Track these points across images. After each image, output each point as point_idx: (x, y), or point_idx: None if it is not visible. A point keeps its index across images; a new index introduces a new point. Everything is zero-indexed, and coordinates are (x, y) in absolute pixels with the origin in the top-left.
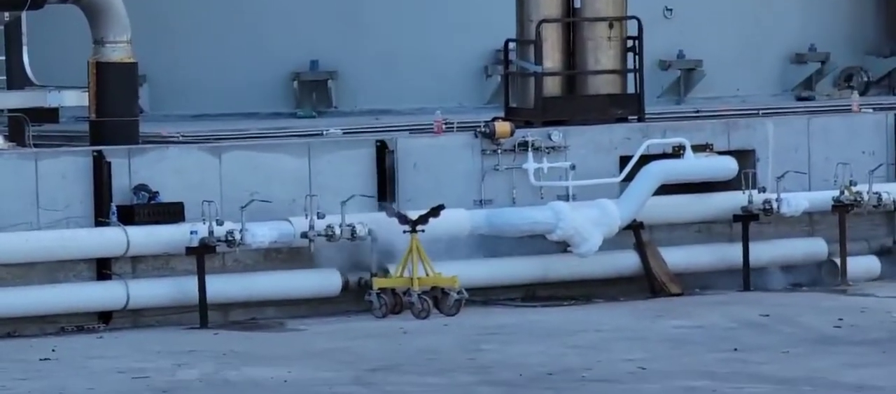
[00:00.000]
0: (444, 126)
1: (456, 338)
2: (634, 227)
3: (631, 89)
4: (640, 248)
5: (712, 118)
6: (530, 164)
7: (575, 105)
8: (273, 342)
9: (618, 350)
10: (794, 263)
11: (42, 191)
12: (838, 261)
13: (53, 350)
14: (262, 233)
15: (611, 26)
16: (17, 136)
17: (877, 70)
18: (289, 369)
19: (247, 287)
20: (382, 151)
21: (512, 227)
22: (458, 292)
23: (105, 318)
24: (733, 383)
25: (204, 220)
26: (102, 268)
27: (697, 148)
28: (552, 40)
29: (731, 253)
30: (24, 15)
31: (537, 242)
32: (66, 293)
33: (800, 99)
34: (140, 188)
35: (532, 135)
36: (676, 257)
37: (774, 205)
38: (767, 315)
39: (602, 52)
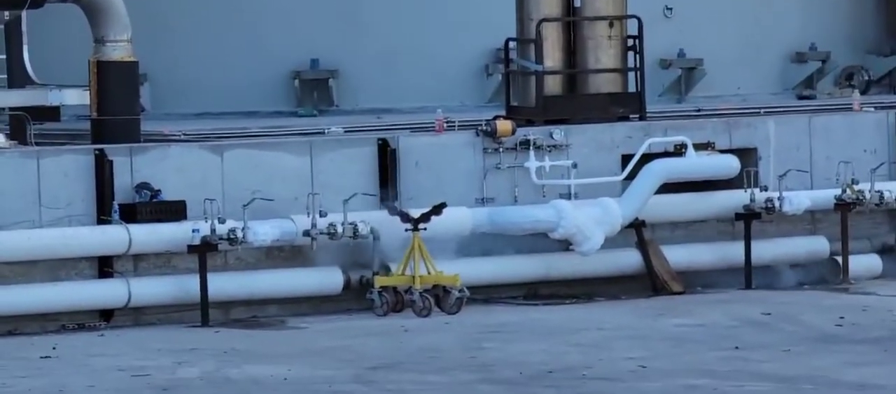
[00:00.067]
0: (445, 125)
1: (457, 336)
2: (636, 225)
3: (632, 88)
4: (641, 246)
5: (714, 117)
6: (532, 162)
7: (576, 104)
8: (274, 340)
9: (619, 348)
10: (795, 261)
11: (44, 189)
12: (840, 259)
13: (54, 348)
14: (263, 231)
15: (611, 25)
16: (18, 134)
17: (878, 69)
18: (289, 367)
19: (248, 285)
20: (384, 149)
21: (514, 225)
22: (460, 291)
23: (106, 316)
24: (734, 382)
25: (206, 218)
26: (104, 266)
27: (699, 146)
28: (552, 39)
29: (732, 252)
30: (24, 14)
31: (539, 241)
32: (67, 291)
33: (801, 98)
34: (142, 186)
35: (533, 133)
36: (678, 256)
37: (776, 203)
38: (769, 314)
39: (602, 51)
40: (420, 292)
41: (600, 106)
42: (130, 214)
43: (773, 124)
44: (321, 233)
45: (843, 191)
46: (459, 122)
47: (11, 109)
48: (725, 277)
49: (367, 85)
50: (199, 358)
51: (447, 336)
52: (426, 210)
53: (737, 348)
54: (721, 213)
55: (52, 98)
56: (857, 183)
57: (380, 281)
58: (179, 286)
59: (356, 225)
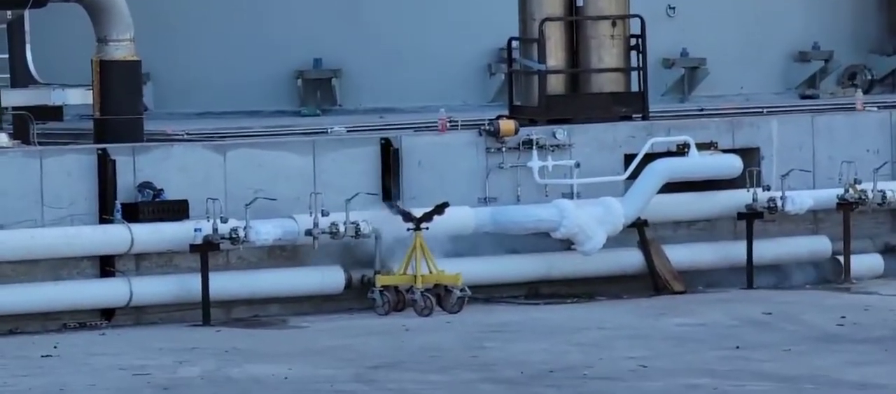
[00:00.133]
0: (448, 124)
1: (458, 335)
2: (638, 225)
3: (634, 88)
4: (643, 246)
5: (716, 116)
6: (535, 162)
7: (579, 103)
8: (275, 340)
9: (620, 348)
10: (798, 261)
11: (46, 188)
12: (842, 259)
13: (55, 347)
14: (265, 230)
15: (614, 24)
16: (21, 134)
17: (881, 68)
18: (290, 367)
19: (250, 284)
20: (387, 148)
21: (516, 224)
22: (461, 290)
23: (108, 315)
24: (735, 381)
25: (208, 217)
26: (106, 265)
27: (702, 146)
28: (555, 38)
29: (734, 251)
30: (27, 13)
31: (541, 240)
32: (69, 290)
33: (804, 97)
34: (144, 186)
35: (536, 133)
36: (680, 255)
37: (779, 203)
38: (770, 313)
39: (605, 51)
40: (421, 292)
41: (603, 105)
42: (132, 214)
43: (776, 124)
44: (323, 232)
45: (846, 190)
46: (462, 121)
47: (14, 108)
48: (727, 277)
49: (370, 84)
50: (200, 357)
51: (448, 335)
52: (428, 209)
53: (738, 347)
54: (723, 212)
55: (54, 98)
56: (860, 183)
57: (381, 280)
58: (181, 285)
59: (358, 224)
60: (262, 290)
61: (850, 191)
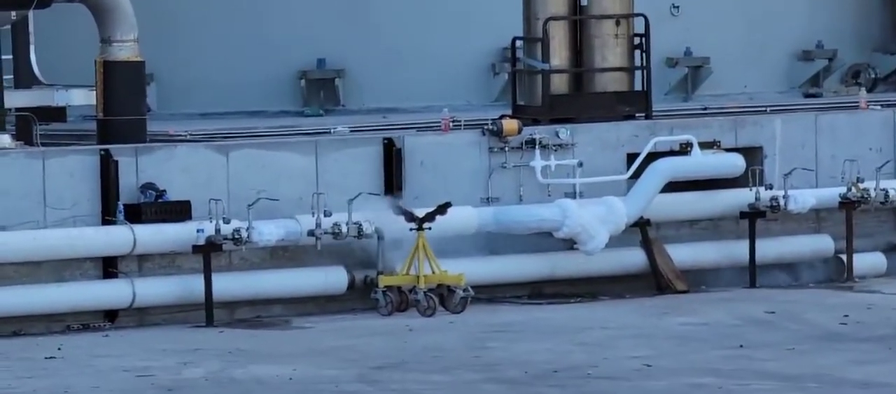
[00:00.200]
0: (451, 124)
1: (462, 336)
2: (641, 224)
3: (638, 87)
4: (646, 245)
5: (719, 115)
6: (537, 161)
7: (582, 103)
8: (278, 340)
9: (624, 347)
10: (800, 260)
11: (49, 189)
12: (845, 258)
13: (59, 348)
14: (268, 231)
15: (618, 24)
16: (24, 134)
17: (884, 67)
18: (294, 367)
19: (253, 285)
20: (390, 148)
21: (519, 224)
22: (464, 290)
23: (111, 316)
24: (739, 380)
25: (211, 218)
26: (109, 266)
27: (705, 145)
28: (559, 38)
29: (737, 250)
30: (31, 14)
31: (543, 240)
32: (72, 292)
33: (807, 96)
34: (147, 187)
35: (539, 132)
36: (683, 255)
37: (781, 202)
38: (773, 312)
39: (609, 50)
40: (424, 292)
41: (606, 105)
42: (135, 215)
43: (780, 123)
44: (326, 233)
45: (849, 189)
46: (465, 121)
47: (18, 109)
48: (730, 276)
49: (373, 84)
50: (203, 358)
51: (452, 336)
52: (431, 209)
53: (741, 346)
54: (726, 211)
55: (58, 98)
56: (863, 181)
57: (384, 280)
58: (184, 286)
59: (360, 224)
60: (265, 290)
61: (853, 190)
